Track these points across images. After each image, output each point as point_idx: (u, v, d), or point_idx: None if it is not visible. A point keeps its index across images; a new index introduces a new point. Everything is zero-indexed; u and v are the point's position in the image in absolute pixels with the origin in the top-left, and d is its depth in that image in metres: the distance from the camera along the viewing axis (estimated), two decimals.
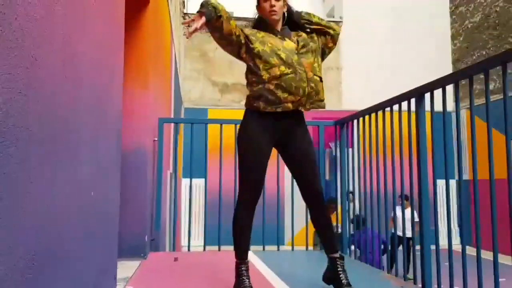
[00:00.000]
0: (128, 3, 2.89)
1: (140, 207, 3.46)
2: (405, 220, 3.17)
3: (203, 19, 2.31)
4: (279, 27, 2.60)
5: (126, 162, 3.16)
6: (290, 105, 2.45)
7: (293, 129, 2.56)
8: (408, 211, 5.48)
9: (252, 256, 3.61)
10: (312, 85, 2.49)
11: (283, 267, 3.44)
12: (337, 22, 13.38)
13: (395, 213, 3.84)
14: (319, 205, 2.59)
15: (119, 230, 2.44)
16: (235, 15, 13.68)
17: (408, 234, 3.65)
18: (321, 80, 2.58)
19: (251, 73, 2.54)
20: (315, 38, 2.66)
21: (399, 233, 3.53)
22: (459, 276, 2.44)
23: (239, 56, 2.58)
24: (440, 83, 2.74)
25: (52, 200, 1.21)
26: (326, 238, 2.61)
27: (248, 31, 2.55)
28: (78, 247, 1.50)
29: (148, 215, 3.60)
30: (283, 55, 2.46)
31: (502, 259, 2.18)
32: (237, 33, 2.48)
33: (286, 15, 2.63)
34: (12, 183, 0.94)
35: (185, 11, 12.40)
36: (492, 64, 2.37)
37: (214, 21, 2.35)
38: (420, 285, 2.81)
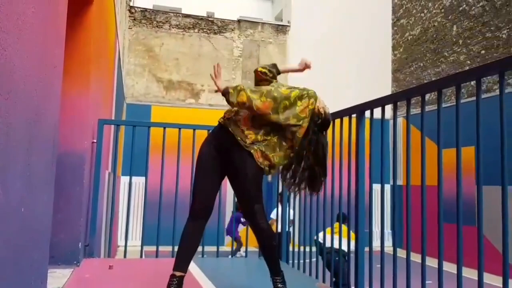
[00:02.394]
0: (71, 1, 2.77)
1: (74, 212, 3.33)
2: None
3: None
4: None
5: (62, 165, 3.03)
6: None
7: (232, 160, 2.61)
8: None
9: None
10: (233, 129, 2.62)
11: (221, 275, 3.43)
12: (284, 26, 13.55)
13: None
14: (254, 226, 2.60)
15: (52, 237, 2.34)
16: (183, 11, 13.53)
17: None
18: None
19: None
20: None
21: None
22: (390, 277, 2.56)
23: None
24: (380, 102, 2.86)
25: None
26: (265, 257, 2.68)
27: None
28: (8, 268, 1.42)
29: (83, 221, 3.47)
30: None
31: (430, 261, 2.32)
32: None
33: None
34: None
35: (131, 4, 12.07)
36: (428, 89, 2.51)
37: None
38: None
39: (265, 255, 2.67)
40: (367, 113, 3.04)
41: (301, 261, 3.82)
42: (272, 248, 2.65)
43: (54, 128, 2.12)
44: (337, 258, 4.43)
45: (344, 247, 3.96)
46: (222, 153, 2.61)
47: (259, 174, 2.55)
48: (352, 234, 3.11)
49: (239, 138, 2.54)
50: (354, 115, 3.15)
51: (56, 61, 2.10)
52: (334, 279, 3.87)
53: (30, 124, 1.63)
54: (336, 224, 3.75)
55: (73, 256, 3.27)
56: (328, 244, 3.72)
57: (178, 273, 2.47)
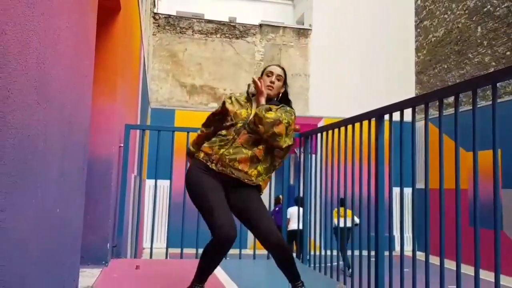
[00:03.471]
0: (99, 11, 2.91)
1: (103, 214, 3.47)
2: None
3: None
4: (263, 100, 2.70)
5: (91, 169, 3.16)
6: (202, 154, 2.67)
7: (238, 191, 2.63)
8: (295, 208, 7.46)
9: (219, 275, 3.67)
10: (231, 150, 2.57)
11: (244, 277, 3.51)
12: (306, 30, 13.60)
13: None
14: (281, 251, 2.57)
15: (82, 239, 2.46)
16: (205, 17, 13.72)
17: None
18: (255, 158, 2.60)
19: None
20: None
21: None
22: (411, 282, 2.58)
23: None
24: (399, 106, 2.89)
25: (19, 225, 1.25)
26: (285, 270, 2.63)
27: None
28: (42, 264, 1.53)
29: (111, 223, 3.61)
30: (228, 122, 2.67)
31: (449, 264, 2.32)
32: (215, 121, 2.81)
33: (280, 95, 2.81)
34: None
35: (155, 11, 12.33)
36: (446, 93, 2.54)
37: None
38: None
39: (286, 267, 2.61)
40: (386, 117, 3.08)
41: (322, 264, 3.88)
42: (291, 258, 2.62)
43: (85, 134, 2.25)
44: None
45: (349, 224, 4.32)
46: (224, 188, 2.61)
47: None
48: (349, 212, 3.19)
49: (246, 180, 2.59)
50: (373, 119, 3.20)
51: (87, 71, 2.22)
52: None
53: (64, 131, 1.75)
54: (342, 209, 3.98)
55: (102, 257, 3.41)
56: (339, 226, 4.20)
57: (201, 285, 2.51)
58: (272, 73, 2.78)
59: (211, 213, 2.42)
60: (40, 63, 1.37)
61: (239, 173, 2.57)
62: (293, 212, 9.70)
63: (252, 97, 2.79)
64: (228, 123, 2.65)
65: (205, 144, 2.67)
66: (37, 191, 1.40)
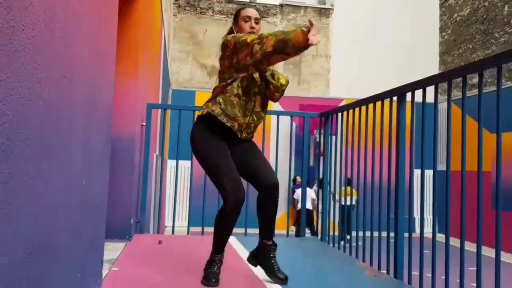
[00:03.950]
0: None
1: (126, 191, 3.56)
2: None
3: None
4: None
5: (114, 147, 3.23)
6: (236, 125, 2.57)
7: (241, 146, 2.68)
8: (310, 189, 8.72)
9: (233, 241, 3.74)
10: (255, 117, 2.63)
11: None
12: (327, 9, 13.41)
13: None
14: (275, 196, 2.62)
15: (106, 214, 2.54)
16: None
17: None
18: (264, 117, 2.75)
19: (223, 81, 2.61)
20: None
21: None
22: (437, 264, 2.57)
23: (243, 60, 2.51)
24: (421, 84, 2.86)
25: (47, 194, 1.30)
26: (268, 224, 2.66)
27: None
28: (68, 235, 1.59)
29: (134, 199, 3.70)
30: (245, 83, 2.56)
31: (470, 246, 2.31)
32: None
33: None
34: (15, 181, 1.03)
35: None
36: (471, 70, 2.49)
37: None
38: (393, 274, 2.98)
39: (270, 220, 2.65)
40: (409, 98, 3.04)
41: (342, 244, 3.91)
42: (276, 209, 2.68)
43: (108, 111, 2.30)
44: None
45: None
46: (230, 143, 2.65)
47: None
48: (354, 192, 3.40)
49: (250, 136, 2.72)
50: (395, 98, 3.16)
51: (110, 49, 2.26)
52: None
53: (87, 107, 1.80)
54: (349, 188, 4.17)
55: (126, 231, 3.50)
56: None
57: (219, 253, 2.58)
58: (249, 17, 2.63)
59: (221, 177, 2.45)
60: (65, 38, 1.40)
61: (254, 134, 2.74)
62: (308, 192, 9.88)
63: None
64: (245, 84, 2.55)
65: (237, 112, 2.54)
66: (64, 161, 1.45)
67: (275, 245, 2.69)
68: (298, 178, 10.40)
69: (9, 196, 0.99)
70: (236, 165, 2.55)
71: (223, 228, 2.54)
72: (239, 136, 2.61)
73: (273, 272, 2.60)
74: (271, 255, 2.64)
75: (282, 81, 2.69)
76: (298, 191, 9.37)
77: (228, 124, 2.54)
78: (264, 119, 2.79)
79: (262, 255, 2.66)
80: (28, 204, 1.13)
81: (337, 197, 4.38)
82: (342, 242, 4.00)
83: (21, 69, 1.03)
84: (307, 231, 6.77)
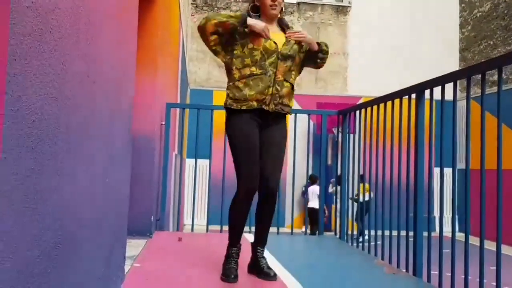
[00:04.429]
0: None
1: (147, 189, 3.62)
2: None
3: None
4: (271, 22, 2.69)
5: (135, 146, 3.30)
6: (254, 103, 2.57)
7: (270, 129, 2.67)
8: (317, 188, 9.09)
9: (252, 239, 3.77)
10: (278, 87, 2.60)
11: (282, 251, 3.59)
12: (345, 7, 13.33)
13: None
14: (273, 196, 2.67)
15: (128, 211, 2.59)
16: None
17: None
18: (292, 88, 2.71)
19: (228, 72, 2.70)
20: (301, 50, 2.77)
21: None
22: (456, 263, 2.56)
23: (228, 46, 2.63)
24: (440, 81, 2.84)
25: (74, 189, 1.35)
26: (264, 227, 2.72)
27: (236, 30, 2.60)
28: (93, 231, 1.64)
29: (154, 197, 3.76)
30: (257, 57, 2.57)
31: (490, 245, 2.28)
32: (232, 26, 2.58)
33: (283, 10, 2.75)
34: (45, 178, 1.07)
35: None
36: (490, 66, 2.47)
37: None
38: (411, 272, 2.97)
39: (266, 224, 2.71)
40: (427, 93, 3.03)
41: (360, 242, 3.91)
42: (272, 214, 2.72)
43: (129, 110, 2.35)
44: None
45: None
46: (261, 127, 2.66)
47: None
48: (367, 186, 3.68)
49: (287, 112, 2.69)
50: (413, 95, 3.15)
51: (130, 49, 2.31)
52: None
53: (110, 105, 1.85)
54: (362, 185, 4.20)
55: (146, 229, 3.56)
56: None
57: (235, 245, 2.64)
58: None
59: (239, 167, 2.57)
60: (89, 39, 1.44)
61: (287, 108, 2.69)
62: (313, 191, 9.95)
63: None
64: (257, 57, 2.56)
65: (250, 92, 2.55)
66: (89, 159, 1.50)
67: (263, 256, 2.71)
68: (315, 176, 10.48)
69: (37, 192, 1.03)
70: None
71: (235, 217, 2.62)
72: (268, 108, 2.58)
73: (260, 270, 2.62)
74: (260, 257, 2.67)
75: (326, 48, 2.80)
76: (311, 189, 9.53)
77: (244, 107, 2.58)
78: (293, 88, 2.72)
79: (252, 258, 2.71)
80: (54, 200, 1.17)
81: (350, 194, 4.44)
82: (360, 240, 4.00)
83: (49, 69, 1.07)
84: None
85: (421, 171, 3.04)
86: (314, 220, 8.34)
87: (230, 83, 2.65)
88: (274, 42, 2.60)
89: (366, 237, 3.83)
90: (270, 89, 2.57)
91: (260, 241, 2.72)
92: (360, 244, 3.93)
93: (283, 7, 2.73)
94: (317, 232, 4.75)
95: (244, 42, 2.59)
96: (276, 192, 2.69)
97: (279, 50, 2.61)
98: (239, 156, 2.58)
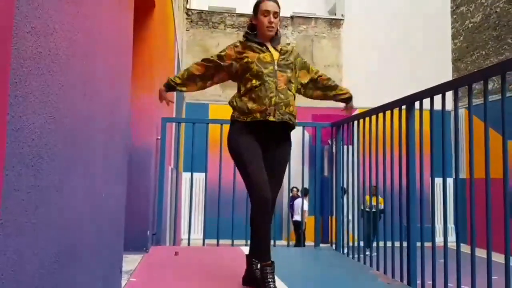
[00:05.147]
0: (136, 9, 3.05)
1: (143, 203, 3.65)
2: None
3: (163, 93, 2.92)
4: (266, 41, 2.76)
5: (131, 161, 3.33)
6: (258, 115, 2.59)
7: (274, 147, 2.70)
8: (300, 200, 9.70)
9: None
10: (282, 96, 2.62)
11: (278, 263, 3.61)
12: (338, 20, 13.50)
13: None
14: (270, 212, 2.59)
15: (124, 226, 2.62)
16: (237, 11, 13.83)
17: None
18: (294, 97, 2.76)
19: (237, 90, 2.79)
20: (304, 68, 2.93)
21: None
22: (452, 273, 2.58)
23: (233, 76, 2.83)
24: (429, 93, 2.91)
25: (72, 205, 1.39)
26: (265, 241, 2.57)
27: (234, 51, 2.77)
28: (91, 245, 1.67)
29: (151, 211, 3.78)
30: (254, 69, 2.63)
31: (496, 257, 2.32)
32: (211, 69, 2.86)
33: (278, 30, 2.83)
34: (44, 194, 1.12)
35: (188, 7, 12.52)
36: (475, 78, 2.55)
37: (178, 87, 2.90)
38: (406, 282, 3.00)
39: (267, 236, 2.54)
40: (417, 105, 3.09)
41: (356, 254, 3.93)
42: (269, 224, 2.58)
43: (126, 126, 2.39)
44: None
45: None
46: (265, 143, 2.67)
47: None
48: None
49: (293, 123, 2.73)
50: (404, 107, 3.21)
51: (126, 65, 2.36)
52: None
53: (106, 121, 1.89)
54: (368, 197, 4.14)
55: (143, 243, 3.58)
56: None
57: (267, 262, 2.48)
58: (268, 11, 2.70)
59: (248, 179, 2.51)
60: (85, 58, 1.50)
61: (292, 117, 2.72)
62: (298, 203, 10.02)
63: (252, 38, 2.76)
64: (254, 71, 2.62)
65: (252, 105, 2.59)
66: (85, 175, 1.54)
67: (256, 265, 2.65)
68: (294, 190, 10.54)
69: (37, 207, 1.08)
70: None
71: (258, 228, 2.50)
72: (273, 119, 2.59)
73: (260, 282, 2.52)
74: (255, 269, 2.63)
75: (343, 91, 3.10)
76: (297, 202, 10.28)
77: (249, 119, 2.61)
78: (294, 96, 2.77)
79: (248, 269, 2.69)
80: (53, 215, 1.21)
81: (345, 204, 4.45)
82: (357, 252, 4.03)
83: (47, 90, 1.12)
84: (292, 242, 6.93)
85: (412, 181, 3.09)
86: (297, 233, 8.61)
87: (237, 98, 2.72)
88: (270, 54, 2.69)
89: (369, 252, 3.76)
90: (273, 99, 2.59)
91: (266, 258, 2.52)
92: (356, 256, 3.95)
93: (278, 28, 2.80)
94: (301, 244, 4.76)
95: (238, 61, 2.72)
96: (274, 202, 2.64)
97: (275, 61, 2.68)
98: (246, 165, 2.53)
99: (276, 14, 2.72)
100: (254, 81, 2.62)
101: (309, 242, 5.28)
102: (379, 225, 4.10)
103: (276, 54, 2.72)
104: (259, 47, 2.71)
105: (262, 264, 2.48)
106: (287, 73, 2.70)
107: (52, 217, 1.20)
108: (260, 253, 2.51)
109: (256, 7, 2.77)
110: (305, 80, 2.95)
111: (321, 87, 3.03)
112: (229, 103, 2.77)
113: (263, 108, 2.58)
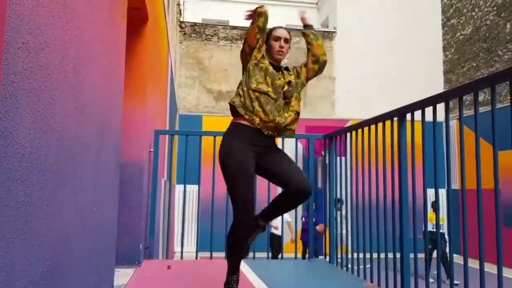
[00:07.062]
0: (128, 22, 3.06)
1: (135, 216, 3.62)
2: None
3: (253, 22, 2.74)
4: (276, 63, 2.81)
5: (123, 174, 3.32)
6: (257, 119, 2.58)
7: (270, 152, 2.71)
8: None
9: (242, 265, 3.77)
10: (286, 114, 2.67)
11: (274, 277, 3.59)
12: (330, 32, 13.62)
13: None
14: (303, 197, 2.64)
15: (116, 240, 2.60)
16: (230, 23, 13.92)
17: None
18: (297, 114, 2.75)
19: (244, 75, 2.74)
20: (301, 72, 2.93)
21: None
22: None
23: (250, 52, 2.78)
24: (420, 105, 2.93)
25: (62, 220, 1.38)
26: (277, 212, 2.72)
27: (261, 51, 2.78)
28: (82, 259, 1.66)
29: (143, 225, 3.76)
30: (273, 84, 2.66)
31: (488, 267, 2.32)
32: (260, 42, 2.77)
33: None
34: (34, 208, 1.11)
35: (181, 19, 12.58)
36: (466, 90, 2.57)
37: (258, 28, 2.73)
38: None
39: (282, 212, 2.72)
40: (408, 116, 3.12)
41: (349, 265, 3.93)
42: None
43: (118, 139, 2.39)
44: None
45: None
46: (258, 152, 2.64)
47: None
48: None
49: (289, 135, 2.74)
50: (395, 119, 3.23)
51: (118, 79, 2.37)
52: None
53: (98, 135, 1.89)
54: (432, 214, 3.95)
55: (135, 257, 3.55)
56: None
57: (235, 273, 2.65)
58: (279, 38, 2.79)
59: (236, 199, 2.54)
60: (77, 73, 1.50)
61: (290, 133, 2.73)
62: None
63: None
64: (275, 83, 2.66)
65: (258, 107, 2.59)
66: (76, 189, 1.53)
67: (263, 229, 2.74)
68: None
69: (27, 222, 1.07)
70: (267, 171, 2.66)
71: (234, 244, 2.61)
72: (267, 133, 2.60)
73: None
74: (253, 238, 2.70)
75: (320, 42, 2.95)
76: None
77: (247, 116, 2.59)
78: (298, 113, 2.77)
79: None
80: (44, 230, 1.20)
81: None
82: (350, 264, 4.02)
83: (38, 105, 1.12)
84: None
85: (405, 192, 3.10)
86: (275, 246, 8.41)
87: (245, 88, 2.66)
88: (284, 80, 2.72)
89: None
90: (277, 119, 2.61)
91: (268, 219, 2.71)
92: (350, 267, 3.94)
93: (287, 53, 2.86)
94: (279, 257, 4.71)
95: (258, 54, 2.74)
96: (311, 191, 2.65)
97: (286, 80, 2.72)
98: (235, 187, 2.54)
99: (286, 40, 2.82)
100: (270, 90, 2.64)
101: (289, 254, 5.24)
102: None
103: (283, 81, 2.74)
104: (275, 70, 2.75)
105: (232, 277, 2.65)
106: (297, 92, 2.79)
107: (42, 232, 1.19)
108: (233, 267, 2.66)
109: (269, 33, 2.85)
110: (305, 74, 2.96)
111: (307, 55, 3.01)
112: (236, 91, 2.75)
113: (266, 118, 2.59)
